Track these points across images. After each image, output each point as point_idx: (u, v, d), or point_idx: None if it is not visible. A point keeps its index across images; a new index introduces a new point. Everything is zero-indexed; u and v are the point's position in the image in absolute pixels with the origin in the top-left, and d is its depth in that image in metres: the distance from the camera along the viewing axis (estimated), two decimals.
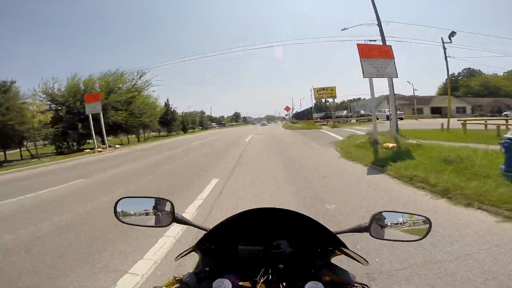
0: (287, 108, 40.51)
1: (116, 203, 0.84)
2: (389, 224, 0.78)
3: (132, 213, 0.83)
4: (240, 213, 0.71)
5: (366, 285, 0.63)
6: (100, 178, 7.26)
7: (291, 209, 0.73)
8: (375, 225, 0.78)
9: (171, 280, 0.65)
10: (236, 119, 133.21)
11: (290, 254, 0.72)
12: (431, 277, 1.98)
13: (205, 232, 0.74)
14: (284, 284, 0.65)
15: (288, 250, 0.72)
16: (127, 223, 0.83)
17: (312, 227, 0.72)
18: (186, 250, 0.73)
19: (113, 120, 21.60)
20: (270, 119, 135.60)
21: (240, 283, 0.63)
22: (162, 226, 0.83)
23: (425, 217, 0.79)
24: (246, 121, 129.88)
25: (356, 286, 0.63)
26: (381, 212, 0.79)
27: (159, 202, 0.83)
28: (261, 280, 0.61)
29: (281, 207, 0.74)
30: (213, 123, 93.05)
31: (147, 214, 0.82)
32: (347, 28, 19.33)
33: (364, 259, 0.71)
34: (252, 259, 0.70)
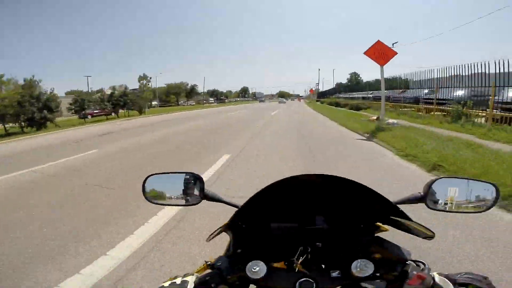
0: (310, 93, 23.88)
1: (144, 181, 0.81)
2: (448, 193, 0.67)
3: (161, 191, 0.81)
4: (274, 183, 0.62)
5: (423, 263, 0.56)
6: None
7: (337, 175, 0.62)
8: (432, 193, 0.67)
9: (202, 265, 0.61)
10: (244, 94, 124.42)
11: (329, 231, 0.65)
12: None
13: (237, 209, 0.68)
14: (325, 263, 0.59)
15: (327, 226, 0.65)
16: (156, 203, 0.81)
17: (361, 196, 0.63)
18: (217, 230, 0.68)
19: None
20: (283, 96, 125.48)
21: (275, 265, 0.58)
22: (192, 204, 0.79)
23: (491, 183, 0.66)
24: (256, 97, 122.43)
25: (412, 264, 0.55)
26: (439, 178, 0.68)
27: (189, 178, 0.79)
28: (299, 260, 0.56)
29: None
30: (211, 99, 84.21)
31: (176, 191, 0.79)
32: None
33: (430, 230, 0.60)
34: (287, 237, 0.65)
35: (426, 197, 0.67)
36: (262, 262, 0.55)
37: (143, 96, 35.66)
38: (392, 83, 18.74)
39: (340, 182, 0.62)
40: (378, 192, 0.58)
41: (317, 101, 43.96)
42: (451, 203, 0.66)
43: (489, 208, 0.66)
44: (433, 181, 0.67)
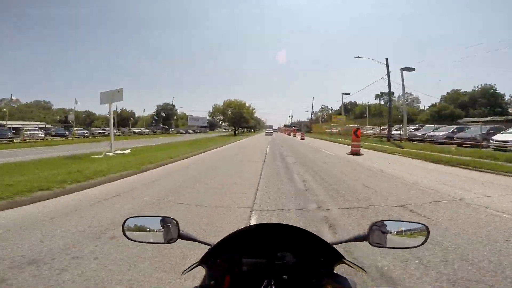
0: None
1: (124, 222, 0.88)
2: (388, 232, 0.79)
3: (140, 231, 0.87)
4: (243, 228, 0.76)
5: None
6: None
7: (292, 224, 0.76)
8: (374, 233, 0.79)
9: None
10: (160, 118, 60.55)
11: (294, 265, 0.74)
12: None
13: (210, 247, 0.77)
14: None
15: (292, 261, 0.74)
16: (135, 240, 0.86)
17: (311, 239, 0.74)
18: (192, 265, 0.76)
19: None
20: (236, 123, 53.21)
21: None
22: (168, 243, 0.85)
23: (423, 224, 0.81)
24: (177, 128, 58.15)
25: None
26: (380, 221, 0.81)
27: (165, 220, 0.86)
28: None
29: (284, 223, 0.76)
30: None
31: (153, 231, 0.86)
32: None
33: (362, 269, 0.73)
34: (256, 271, 0.72)
35: (369, 236, 0.79)
36: None
37: None
38: None
39: (291, 229, 0.75)
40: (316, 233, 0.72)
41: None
42: (390, 240, 0.79)
43: (422, 244, 0.79)
44: (374, 223, 0.80)
